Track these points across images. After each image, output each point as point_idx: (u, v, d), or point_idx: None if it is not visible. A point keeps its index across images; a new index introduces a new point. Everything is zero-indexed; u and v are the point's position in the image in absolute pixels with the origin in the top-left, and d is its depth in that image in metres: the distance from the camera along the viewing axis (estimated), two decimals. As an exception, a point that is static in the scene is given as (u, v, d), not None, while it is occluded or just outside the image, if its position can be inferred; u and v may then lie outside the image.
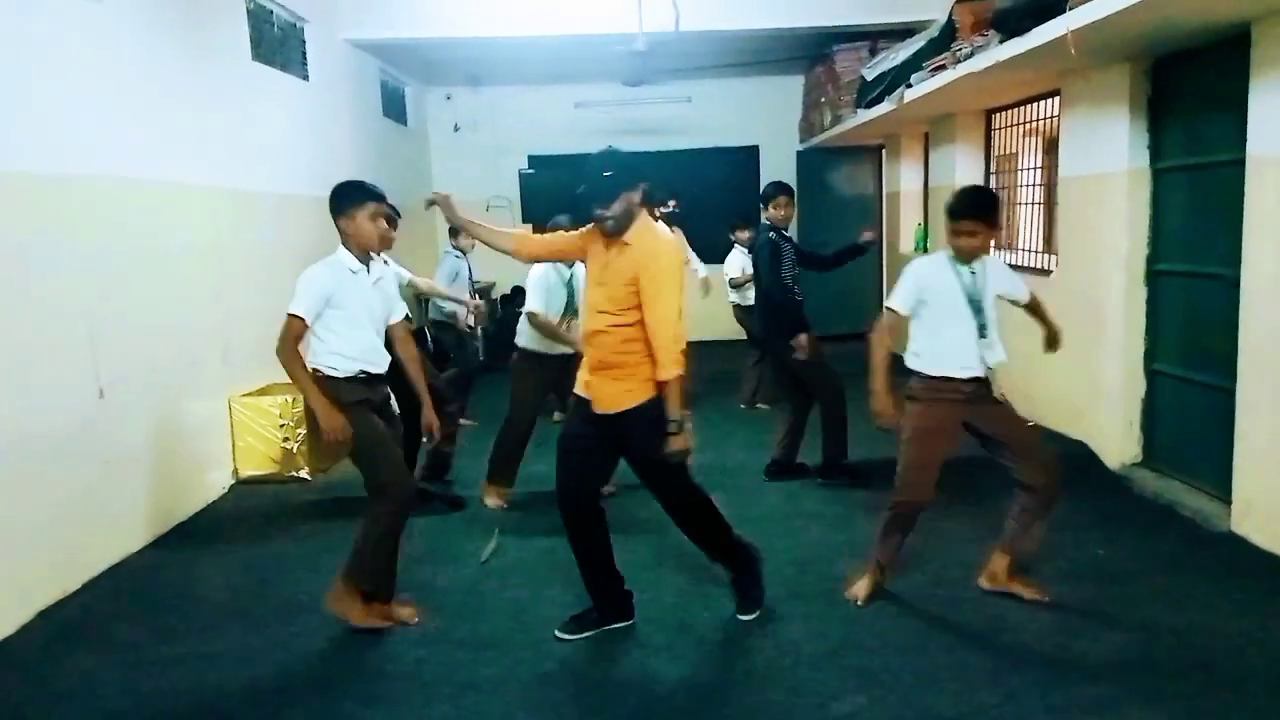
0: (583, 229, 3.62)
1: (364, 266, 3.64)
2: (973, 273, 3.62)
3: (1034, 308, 3.89)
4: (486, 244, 3.73)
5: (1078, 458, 5.66)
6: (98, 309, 4.40)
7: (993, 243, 3.66)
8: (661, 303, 3.28)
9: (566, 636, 3.55)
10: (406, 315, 3.96)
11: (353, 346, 3.60)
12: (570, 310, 5.04)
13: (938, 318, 3.62)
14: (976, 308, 3.59)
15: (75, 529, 4.19)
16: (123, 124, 4.71)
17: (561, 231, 3.91)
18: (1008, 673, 3.20)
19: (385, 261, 3.90)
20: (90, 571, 4.27)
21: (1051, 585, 3.85)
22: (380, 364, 3.69)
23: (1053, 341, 3.96)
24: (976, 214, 3.57)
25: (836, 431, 5.36)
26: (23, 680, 3.40)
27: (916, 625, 3.60)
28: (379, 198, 3.65)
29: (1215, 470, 4.65)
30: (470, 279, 6.77)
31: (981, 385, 3.64)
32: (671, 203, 6.95)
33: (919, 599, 3.80)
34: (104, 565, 4.37)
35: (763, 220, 5.58)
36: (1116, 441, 5.50)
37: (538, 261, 4.77)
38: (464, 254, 6.67)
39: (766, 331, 5.59)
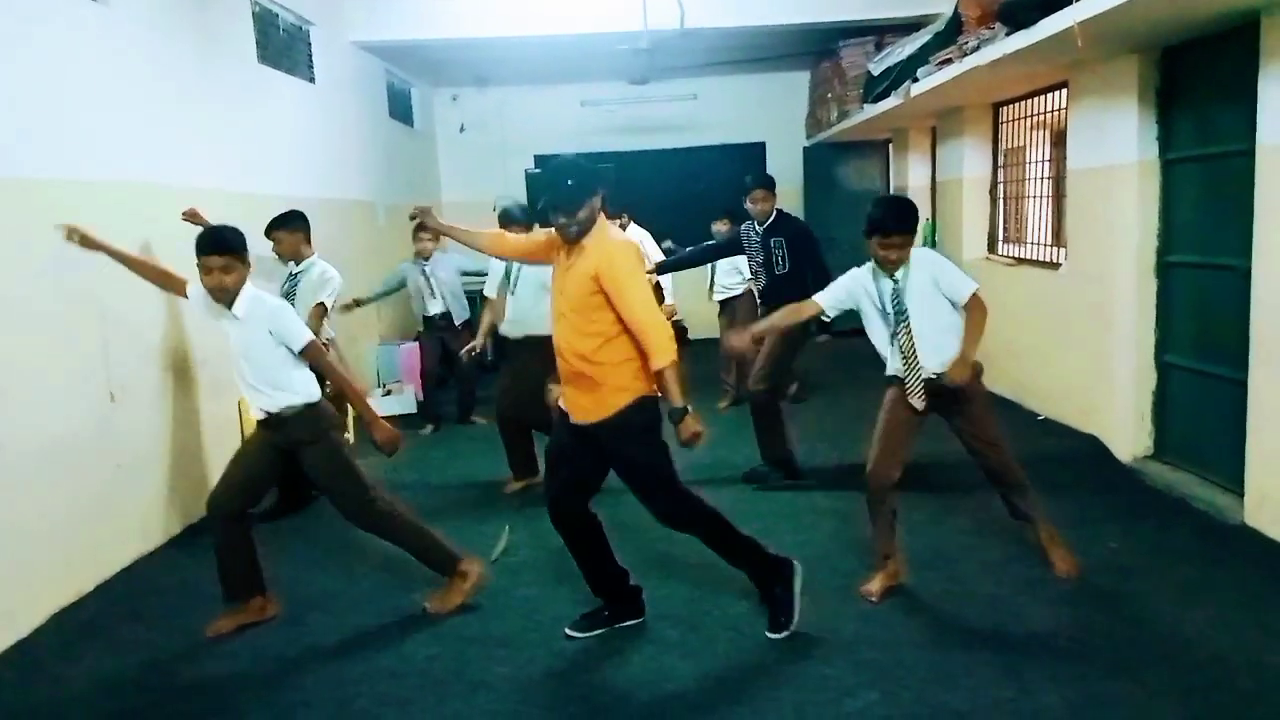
0: (550, 231, 3.59)
1: (223, 307, 3.64)
2: (896, 281, 3.64)
3: (968, 320, 3.65)
4: (466, 245, 3.80)
5: (1089, 451, 5.65)
6: (109, 312, 4.41)
7: (918, 242, 3.73)
8: (630, 294, 3.21)
9: (577, 634, 3.55)
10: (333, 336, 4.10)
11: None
12: (508, 285, 5.34)
13: (869, 327, 3.78)
14: (897, 316, 3.64)
15: (89, 530, 4.20)
16: (130, 128, 4.73)
17: (537, 231, 3.91)
18: (1022, 667, 3.18)
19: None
20: (104, 573, 4.29)
21: (1064, 580, 3.85)
22: (261, 403, 3.66)
23: (954, 365, 3.60)
24: (906, 227, 3.60)
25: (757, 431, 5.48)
26: (38, 681, 3.42)
27: (930, 621, 3.59)
28: (212, 249, 3.54)
29: (1228, 462, 4.62)
30: (426, 282, 7.05)
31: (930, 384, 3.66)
32: (621, 219, 6.98)
33: (932, 595, 3.79)
34: (118, 566, 4.39)
35: None
36: (1128, 434, 5.48)
37: (512, 260, 4.74)
38: (424, 259, 7.01)
39: None
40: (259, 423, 3.76)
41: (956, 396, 3.65)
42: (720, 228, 7.08)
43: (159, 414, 4.85)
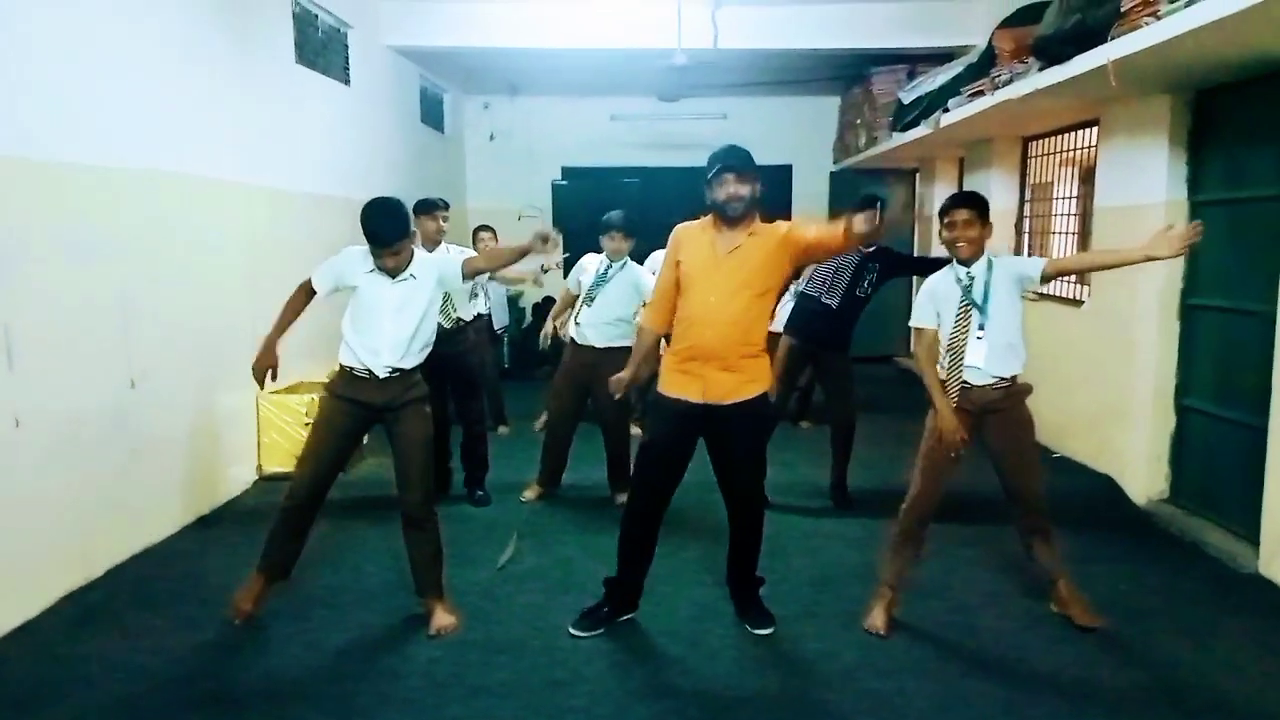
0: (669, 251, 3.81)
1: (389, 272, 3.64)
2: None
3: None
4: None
5: (1103, 491, 5.61)
6: (132, 300, 4.46)
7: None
8: (804, 221, 3.66)
9: (581, 634, 3.63)
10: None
11: (354, 340, 3.66)
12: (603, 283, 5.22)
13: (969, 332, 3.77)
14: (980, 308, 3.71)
15: (101, 516, 4.24)
16: (164, 119, 4.79)
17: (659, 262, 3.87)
18: (1023, 703, 3.16)
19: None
20: (114, 559, 4.33)
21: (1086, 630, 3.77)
22: (388, 360, 3.61)
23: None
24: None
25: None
26: (43, 663, 3.44)
27: (932, 651, 3.57)
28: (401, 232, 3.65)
29: (1244, 509, 4.57)
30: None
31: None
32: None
33: (936, 625, 3.77)
34: (128, 553, 4.42)
35: None
36: (1143, 476, 5.43)
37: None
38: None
39: None
40: (356, 385, 3.66)
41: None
42: None
43: (177, 403, 4.89)
